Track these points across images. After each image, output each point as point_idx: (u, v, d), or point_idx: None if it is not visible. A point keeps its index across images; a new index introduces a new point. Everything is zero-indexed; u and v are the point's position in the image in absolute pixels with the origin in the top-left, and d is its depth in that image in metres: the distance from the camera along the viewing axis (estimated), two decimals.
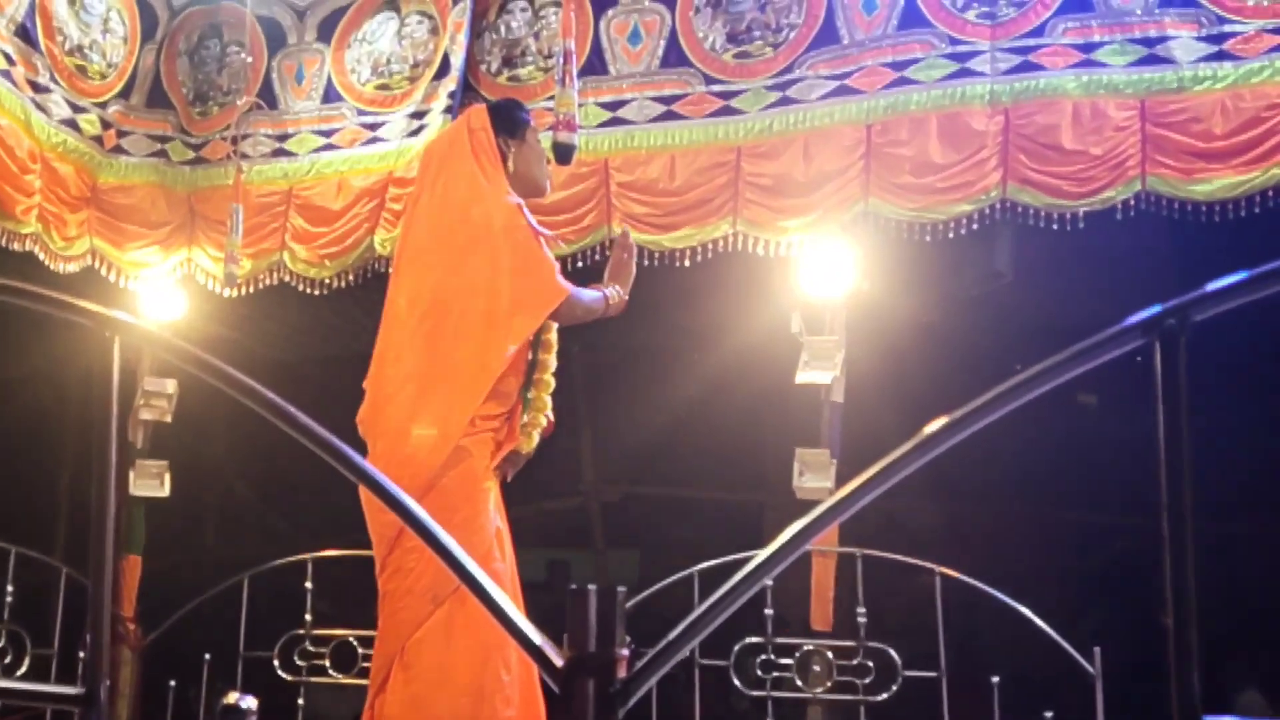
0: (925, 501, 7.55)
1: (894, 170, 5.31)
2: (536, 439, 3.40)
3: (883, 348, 6.70)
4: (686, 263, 5.66)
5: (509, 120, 3.56)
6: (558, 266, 3.37)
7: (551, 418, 3.42)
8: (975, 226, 5.24)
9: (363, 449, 3.32)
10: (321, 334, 8.04)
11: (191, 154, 6.71)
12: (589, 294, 3.43)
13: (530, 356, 3.41)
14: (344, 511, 3.47)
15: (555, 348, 3.44)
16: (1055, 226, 5.01)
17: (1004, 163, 5.13)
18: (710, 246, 5.62)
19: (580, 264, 5.76)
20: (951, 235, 5.26)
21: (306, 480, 6.03)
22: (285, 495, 8.42)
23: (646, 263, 5.71)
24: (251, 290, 6.53)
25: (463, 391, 3.26)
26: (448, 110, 6.06)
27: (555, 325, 3.43)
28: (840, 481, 5.65)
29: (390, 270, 3.58)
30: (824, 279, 5.74)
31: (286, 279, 6.47)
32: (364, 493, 2.95)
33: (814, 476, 5.62)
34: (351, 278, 6.37)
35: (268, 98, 6.57)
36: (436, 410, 3.26)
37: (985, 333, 7.19)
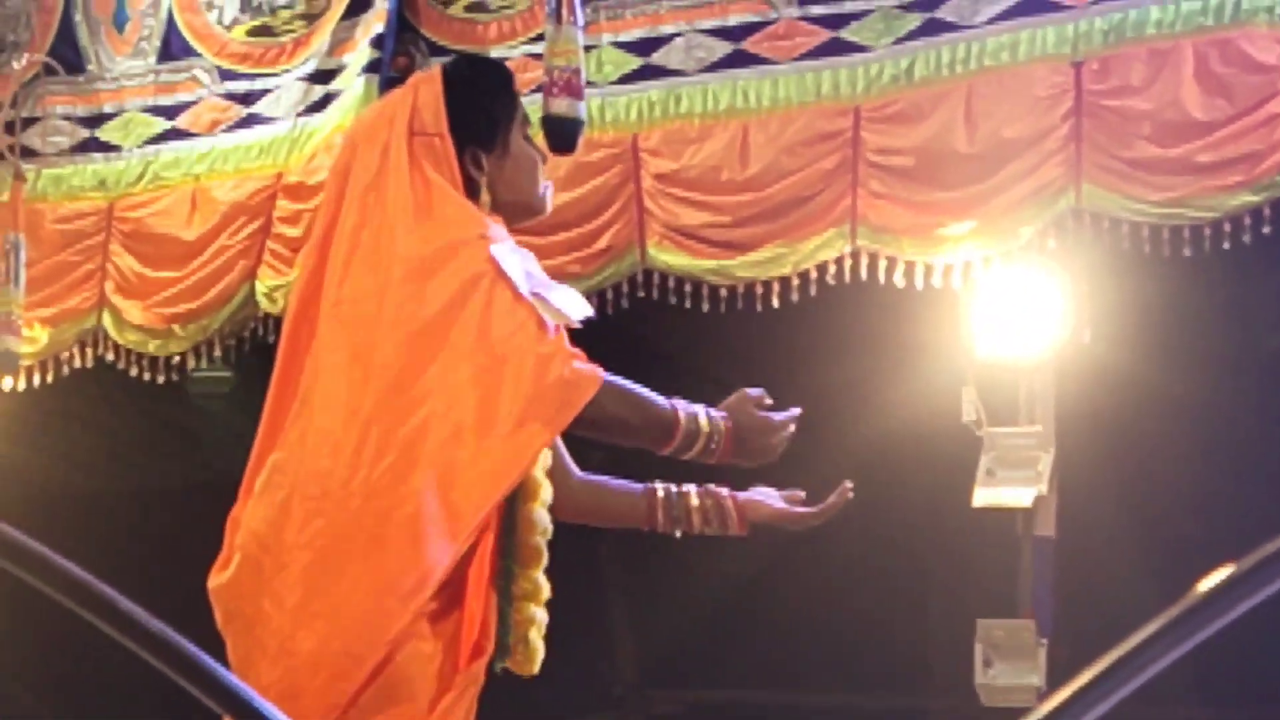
0: (1196, 708, 7.43)
1: (1122, 137, 5.31)
2: (540, 648, 3.37)
3: (1119, 444, 6.63)
4: (775, 303, 5.67)
5: (481, 115, 3.51)
6: (571, 349, 3.33)
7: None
8: (1268, 230, 5.20)
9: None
10: (170, 449, 8.03)
11: None
12: (632, 389, 3.37)
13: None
14: None
15: (543, 488, 3.39)
16: None
17: None
18: (813, 276, 5.62)
19: (593, 316, 5.69)
20: (1228, 247, 5.23)
21: (131, 690, 5.98)
22: (96, 713, 8.40)
23: (707, 307, 5.70)
24: (49, 378, 6.54)
25: (402, 560, 3.24)
26: (372, 69, 6.10)
27: (551, 450, 3.40)
28: (1056, 674, 5.58)
29: (279, 340, 3.55)
30: (1013, 329, 5.74)
31: (109, 357, 6.48)
32: None
33: (1010, 668, 5.65)
34: (220, 353, 6.37)
35: (68, 54, 6.62)
36: (350, 595, 3.24)
37: None
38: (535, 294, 3.32)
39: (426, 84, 3.49)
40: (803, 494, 3.56)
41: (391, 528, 3.21)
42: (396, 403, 3.27)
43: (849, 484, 3.52)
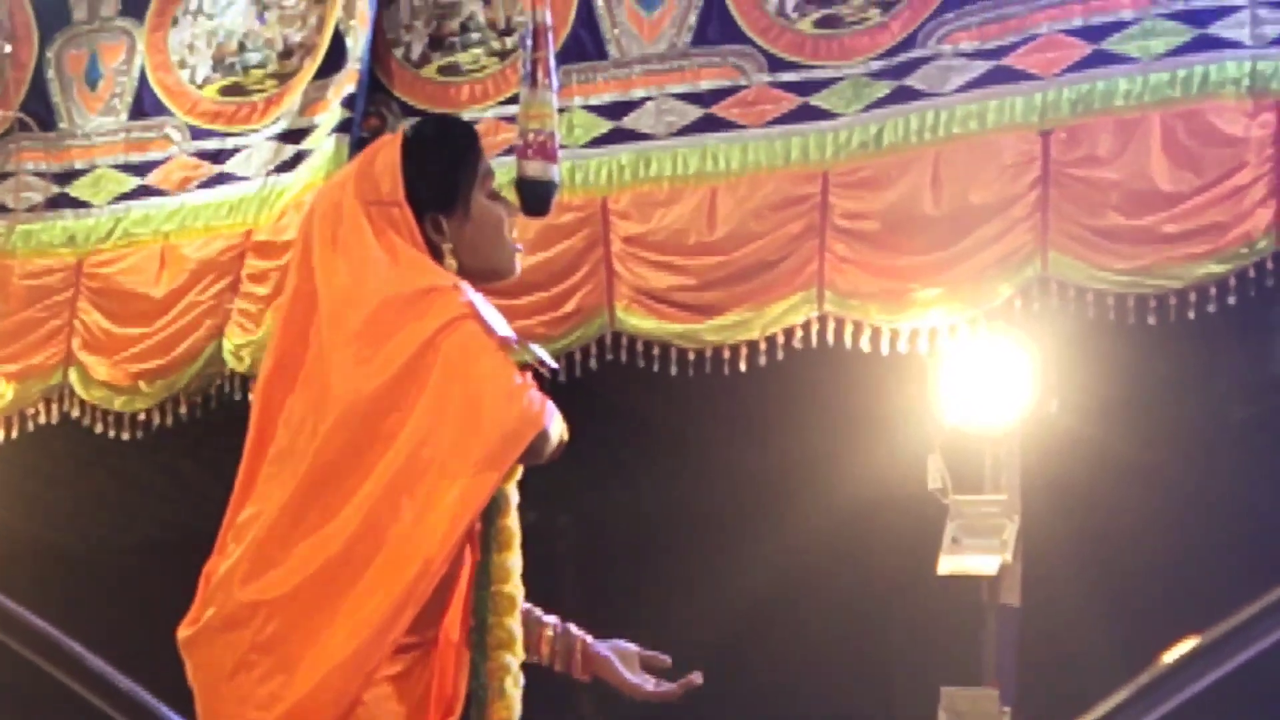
0: None
1: (1089, 206, 5.30)
2: (518, 701, 3.37)
3: (1085, 513, 6.63)
4: (742, 367, 5.65)
5: (438, 180, 3.50)
6: (529, 379, 3.35)
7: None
8: (1233, 300, 5.20)
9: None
10: (135, 505, 7.99)
11: None
12: (555, 418, 3.40)
13: (476, 548, 3.37)
14: None
15: (516, 538, 3.40)
16: None
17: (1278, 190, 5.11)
18: (780, 340, 5.60)
19: (559, 376, 5.70)
20: (1193, 316, 5.23)
21: None
22: None
23: (675, 371, 5.68)
24: (15, 433, 6.50)
25: (379, 600, 3.23)
26: (343, 129, 6.09)
27: (513, 498, 3.41)
28: None
29: (251, 398, 3.54)
30: (979, 398, 5.76)
31: (75, 414, 6.44)
32: None
33: None
34: (185, 411, 6.34)
35: (40, 110, 6.61)
36: (333, 638, 3.23)
37: (1257, 487, 7.10)
38: (507, 337, 3.33)
39: (385, 150, 3.47)
40: (666, 660, 3.57)
41: (370, 569, 3.19)
42: (371, 447, 3.27)
43: (697, 677, 3.53)
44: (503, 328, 3.33)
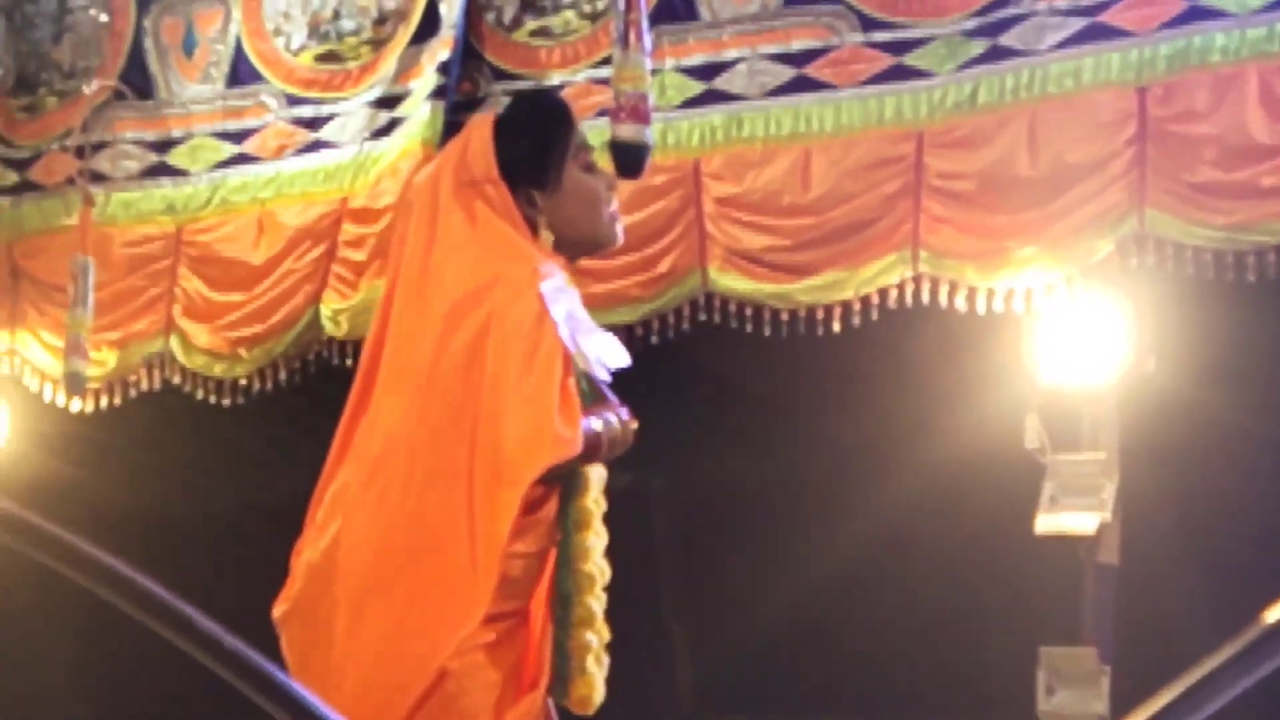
0: None
1: (1185, 161, 5.29)
2: (600, 680, 3.40)
3: (1183, 472, 6.59)
4: (835, 328, 5.67)
5: (529, 155, 3.54)
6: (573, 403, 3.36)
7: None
8: None
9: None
10: (235, 471, 8.07)
11: (13, 176, 6.85)
12: (589, 429, 3.40)
13: (558, 526, 3.41)
14: None
15: (596, 518, 3.43)
16: None
17: None
18: (874, 300, 5.62)
19: (653, 338, 5.76)
20: None
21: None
22: None
23: (768, 331, 5.70)
24: (117, 400, 6.61)
25: (450, 589, 3.28)
26: (438, 95, 6.14)
27: (595, 479, 3.44)
28: (1119, 702, 5.55)
29: (354, 365, 3.59)
30: (1077, 356, 5.73)
31: (175, 380, 6.54)
32: None
33: (1074, 694, 5.62)
34: (284, 377, 6.42)
35: (138, 80, 6.70)
36: (398, 625, 3.29)
37: None
38: (575, 340, 3.34)
39: (478, 131, 3.53)
40: None
41: (438, 558, 3.25)
42: (442, 438, 3.30)
43: None
44: (570, 321, 3.34)
